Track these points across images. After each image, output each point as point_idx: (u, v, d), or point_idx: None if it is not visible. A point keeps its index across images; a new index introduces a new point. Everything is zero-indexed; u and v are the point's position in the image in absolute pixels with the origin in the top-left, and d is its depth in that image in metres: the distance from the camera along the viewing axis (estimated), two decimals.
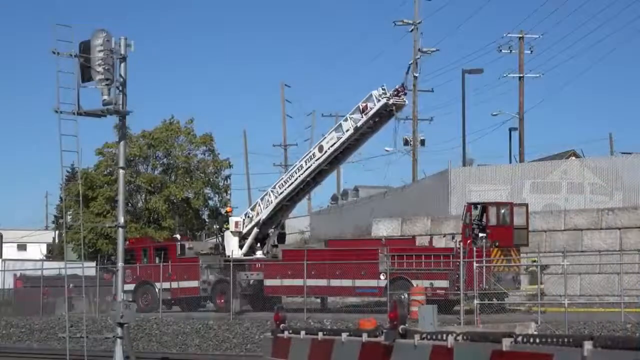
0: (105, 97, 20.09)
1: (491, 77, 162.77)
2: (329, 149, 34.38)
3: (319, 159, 34.66)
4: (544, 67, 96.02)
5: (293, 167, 36.69)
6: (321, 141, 35.34)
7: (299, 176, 35.35)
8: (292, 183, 35.62)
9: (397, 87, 33.14)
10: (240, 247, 36.68)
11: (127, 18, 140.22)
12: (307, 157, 35.47)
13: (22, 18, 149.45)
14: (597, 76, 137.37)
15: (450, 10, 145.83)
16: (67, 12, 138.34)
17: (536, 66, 74.66)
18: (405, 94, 33.54)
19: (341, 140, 34.00)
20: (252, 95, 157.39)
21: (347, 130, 33.78)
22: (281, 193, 35.95)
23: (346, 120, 34.06)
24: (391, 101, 32.68)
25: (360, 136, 34.26)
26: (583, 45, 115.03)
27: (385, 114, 33.49)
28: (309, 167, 35.00)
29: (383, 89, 32.98)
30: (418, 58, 57.48)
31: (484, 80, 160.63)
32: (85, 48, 19.64)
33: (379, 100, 32.86)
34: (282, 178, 36.71)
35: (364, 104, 33.27)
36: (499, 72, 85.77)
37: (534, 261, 32.11)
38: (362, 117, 33.23)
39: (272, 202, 36.20)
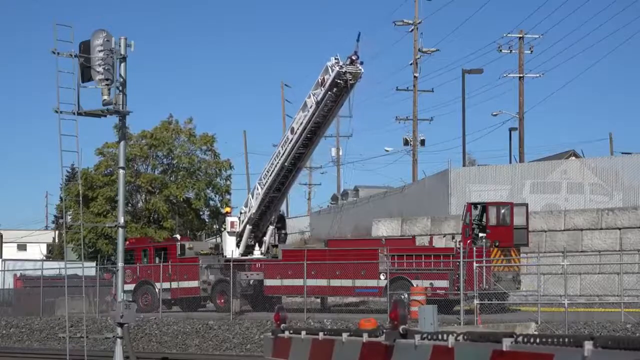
0: (105, 97, 20.06)
1: (491, 77, 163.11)
2: (298, 128, 34.23)
3: (292, 140, 34.53)
4: (544, 67, 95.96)
5: (273, 155, 36.52)
6: (292, 123, 35.15)
7: (278, 162, 35.20)
8: (273, 171, 35.52)
9: (349, 55, 32.67)
10: (238, 246, 36.64)
11: (127, 18, 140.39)
12: (283, 141, 35.40)
13: (22, 18, 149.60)
14: (597, 76, 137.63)
15: (450, 10, 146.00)
16: (67, 12, 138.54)
17: (536, 66, 74.70)
18: (361, 62, 32.66)
19: (307, 118, 33.78)
20: (252, 95, 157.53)
21: (310, 107, 33.56)
22: (266, 183, 35.88)
23: (309, 97, 33.66)
24: (344, 69, 32.23)
25: (326, 112, 33.80)
26: (583, 45, 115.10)
27: (341, 84, 32.75)
28: (285, 150, 34.87)
29: (336, 59, 32.57)
30: (418, 58, 57.57)
31: (484, 80, 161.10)
32: (85, 48, 19.60)
33: (333, 70, 32.54)
34: (265, 168, 36.52)
35: (322, 77, 32.96)
36: (499, 72, 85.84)
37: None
38: (322, 90, 33.05)
39: (259, 194, 36.11)
